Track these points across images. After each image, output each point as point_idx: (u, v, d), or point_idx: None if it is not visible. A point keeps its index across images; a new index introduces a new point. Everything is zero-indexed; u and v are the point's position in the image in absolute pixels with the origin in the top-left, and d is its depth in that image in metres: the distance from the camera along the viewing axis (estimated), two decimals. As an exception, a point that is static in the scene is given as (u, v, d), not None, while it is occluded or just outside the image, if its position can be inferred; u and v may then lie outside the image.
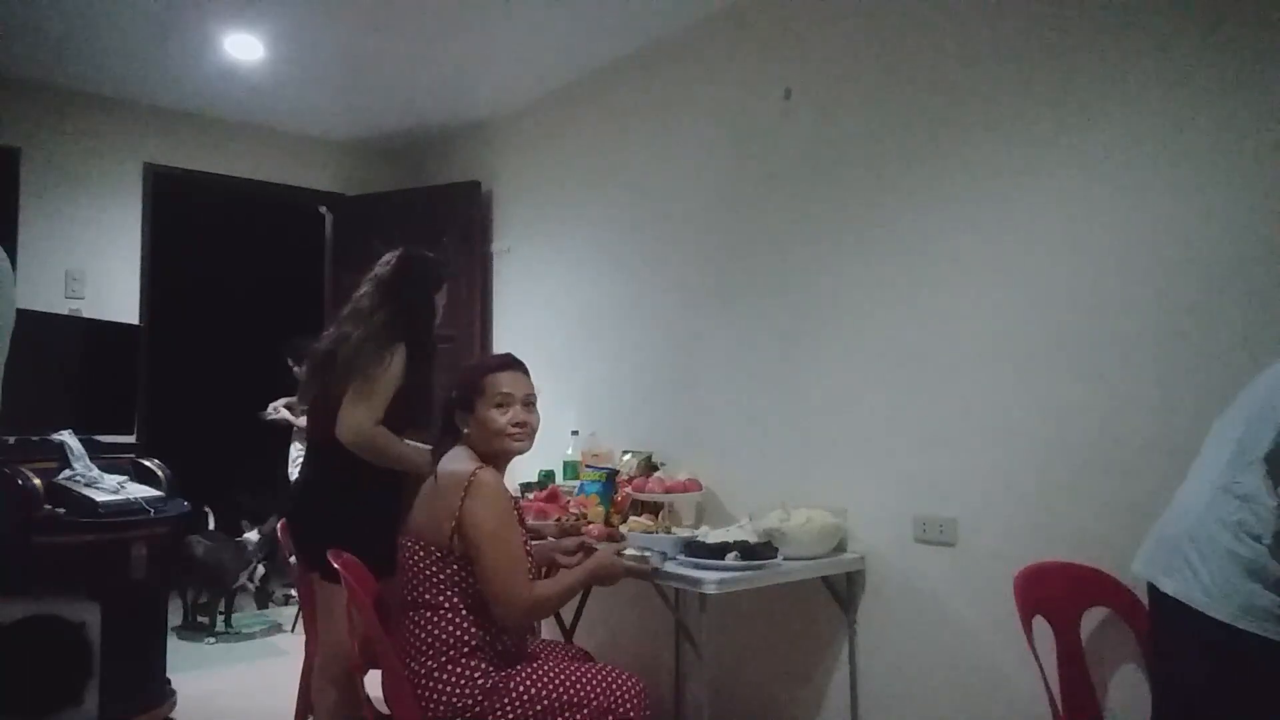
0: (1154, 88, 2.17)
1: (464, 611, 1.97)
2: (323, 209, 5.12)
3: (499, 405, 2.10)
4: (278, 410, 5.10)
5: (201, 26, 3.60)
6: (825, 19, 2.98)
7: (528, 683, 1.96)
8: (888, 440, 2.71)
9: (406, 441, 2.41)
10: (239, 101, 4.43)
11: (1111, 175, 2.25)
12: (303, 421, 5.13)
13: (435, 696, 1.92)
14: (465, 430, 2.11)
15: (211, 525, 4.89)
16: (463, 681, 1.93)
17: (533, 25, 3.57)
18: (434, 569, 1.98)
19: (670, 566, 2.43)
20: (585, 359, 3.94)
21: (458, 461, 2.04)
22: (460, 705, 1.91)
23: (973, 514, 2.49)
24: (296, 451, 5.20)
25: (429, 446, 2.29)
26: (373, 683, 2.17)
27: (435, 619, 1.97)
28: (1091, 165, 2.28)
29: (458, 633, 1.96)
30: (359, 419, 2.30)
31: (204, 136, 4.62)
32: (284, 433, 5.38)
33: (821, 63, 2.99)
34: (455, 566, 1.97)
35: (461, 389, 2.14)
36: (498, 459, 2.11)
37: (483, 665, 1.96)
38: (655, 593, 2.53)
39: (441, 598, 1.97)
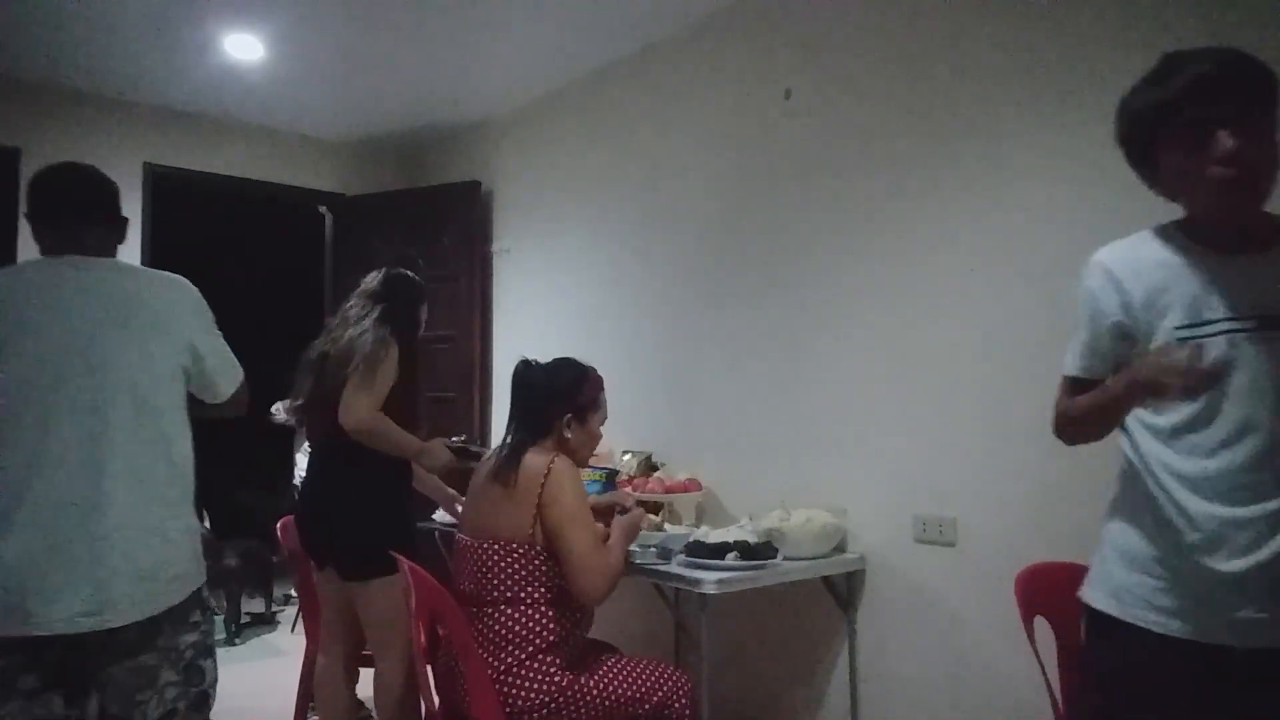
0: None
1: (542, 607, 2.02)
2: (323, 209, 5.12)
3: (602, 422, 2.31)
4: (279, 412, 5.06)
5: (201, 26, 3.60)
6: (825, 19, 2.98)
7: (595, 682, 2.03)
8: (888, 440, 2.71)
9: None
10: (239, 101, 4.43)
11: (1113, 176, 2.24)
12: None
13: (517, 691, 1.96)
14: (568, 435, 2.21)
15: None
16: (542, 677, 1.98)
17: (533, 25, 3.57)
18: (515, 565, 2.02)
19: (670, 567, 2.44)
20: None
21: (535, 456, 2.11)
22: (539, 701, 1.96)
23: (973, 514, 2.49)
24: (302, 459, 5.18)
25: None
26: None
27: (516, 614, 2.01)
28: (1093, 166, 2.28)
29: (537, 628, 2.01)
30: (362, 406, 2.38)
31: (204, 136, 4.61)
32: (287, 434, 5.37)
33: (821, 63, 2.99)
34: (537, 561, 2.02)
35: (583, 397, 2.26)
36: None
37: (558, 662, 2.01)
38: (655, 593, 2.53)
39: (524, 593, 2.02)
